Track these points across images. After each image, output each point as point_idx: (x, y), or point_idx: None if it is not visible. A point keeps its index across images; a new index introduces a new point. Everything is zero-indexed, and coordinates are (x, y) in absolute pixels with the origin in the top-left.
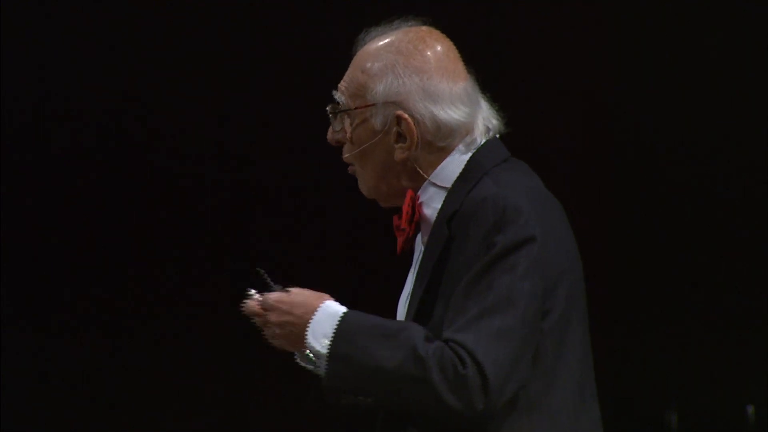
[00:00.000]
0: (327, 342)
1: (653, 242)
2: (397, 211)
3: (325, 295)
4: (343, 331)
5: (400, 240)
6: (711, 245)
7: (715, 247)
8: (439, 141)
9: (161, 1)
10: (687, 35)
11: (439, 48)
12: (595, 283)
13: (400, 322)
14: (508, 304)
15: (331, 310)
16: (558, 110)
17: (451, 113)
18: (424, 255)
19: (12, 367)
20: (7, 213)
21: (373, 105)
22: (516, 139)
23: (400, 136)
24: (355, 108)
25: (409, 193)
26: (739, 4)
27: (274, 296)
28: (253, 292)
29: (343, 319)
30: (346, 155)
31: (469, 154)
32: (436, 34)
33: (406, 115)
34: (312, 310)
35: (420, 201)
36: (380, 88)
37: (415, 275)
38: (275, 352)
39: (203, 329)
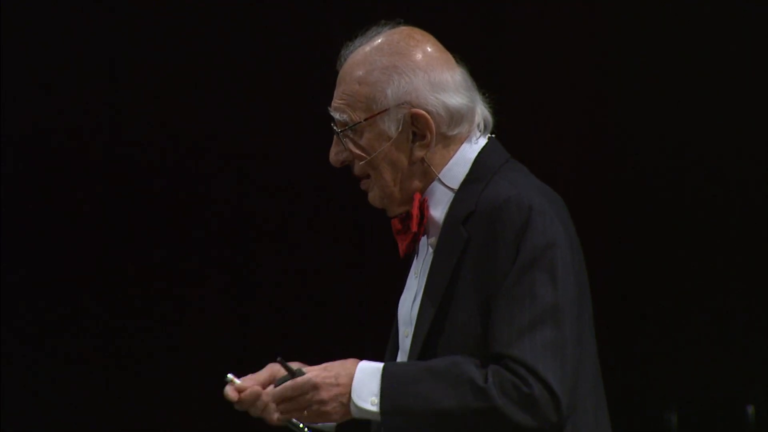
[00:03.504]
0: (376, 399)
1: (653, 242)
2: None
3: (356, 359)
4: (388, 384)
5: (403, 243)
6: (711, 246)
7: (715, 248)
8: (451, 130)
9: (161, 2)
10: (688, 36)
11: (427, 42)
12: (596, 283)
13: (445, 359)
14: (556, 312)
15: (368, 368)
16: (559, 112)
17: (459, 99)
18: (436, 257)
19: (12, 367)
20: (6, 214)
21: (385, 111)
22: (518, 140)
23: (416, 135)
24: (366, 119)
25: (417, 196)
26: (739, 4)
27: (314, 374)
28: (230, 376)
29: (385, 372)
30: (359, 169)
31: (474, 155)
32: (418, 30)
33: (422, 112)
34: (352, 375)
35: (427, 203)
36: (389, 92)
37: (425, 277)
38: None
39: (204, 330)
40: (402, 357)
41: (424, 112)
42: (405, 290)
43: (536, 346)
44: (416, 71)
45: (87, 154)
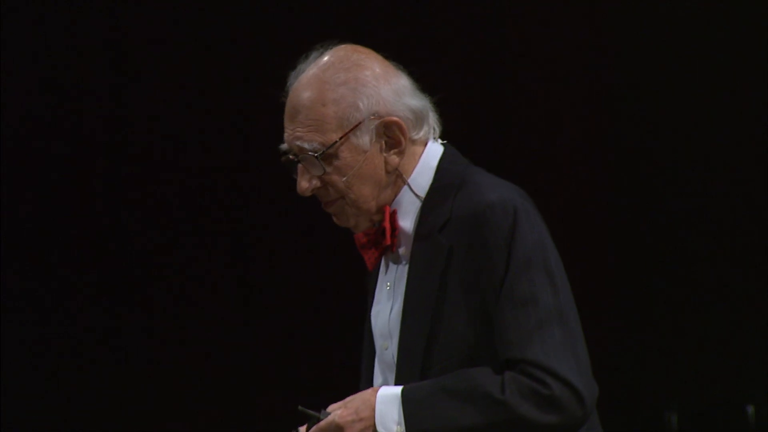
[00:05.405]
0: (400, 427)
1: (653, 242)
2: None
3: (375, 388)
4: (409, 409)
5: (372, 256)
6: (711, 245)
7: (716, 247)
8: (417, 132)
9: (159, 3)
10: (690, 36)
11: (372, 53)
12: (596, 282)
13: (456, 374)
14: (559, 309)
15: (387, 396)
16: (560, 111)
17: (417, 101)
18: (414, 267)
19: (12, 366)
20: (6, 209)
21: (358, 125)
22: (519, 140)
23: (387, 144)
24: (340, 138)
25: (386, 208)
26: (739, 4)
27: (337, 413)
28: (302, 429)
29: (404, 398)
30: (335, 192)
31: (436, 162)
32: (357, 46)
33: (395, 118)
34: (373, 406)
35: (397, 215)
36: (360, 105)
37: (402, 288)
38: (274, 353)
39: (203, 328)
40: (386, 370)
41: (397, 119)
42: (376, 303)
43: (547, 345)
44: (378, 80)
45: (87, 152)
